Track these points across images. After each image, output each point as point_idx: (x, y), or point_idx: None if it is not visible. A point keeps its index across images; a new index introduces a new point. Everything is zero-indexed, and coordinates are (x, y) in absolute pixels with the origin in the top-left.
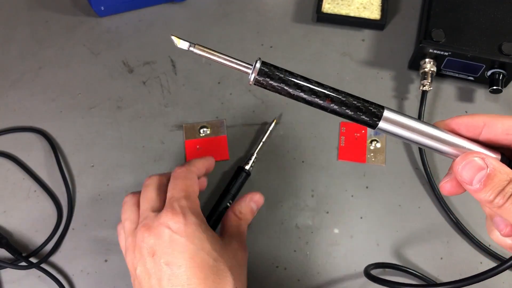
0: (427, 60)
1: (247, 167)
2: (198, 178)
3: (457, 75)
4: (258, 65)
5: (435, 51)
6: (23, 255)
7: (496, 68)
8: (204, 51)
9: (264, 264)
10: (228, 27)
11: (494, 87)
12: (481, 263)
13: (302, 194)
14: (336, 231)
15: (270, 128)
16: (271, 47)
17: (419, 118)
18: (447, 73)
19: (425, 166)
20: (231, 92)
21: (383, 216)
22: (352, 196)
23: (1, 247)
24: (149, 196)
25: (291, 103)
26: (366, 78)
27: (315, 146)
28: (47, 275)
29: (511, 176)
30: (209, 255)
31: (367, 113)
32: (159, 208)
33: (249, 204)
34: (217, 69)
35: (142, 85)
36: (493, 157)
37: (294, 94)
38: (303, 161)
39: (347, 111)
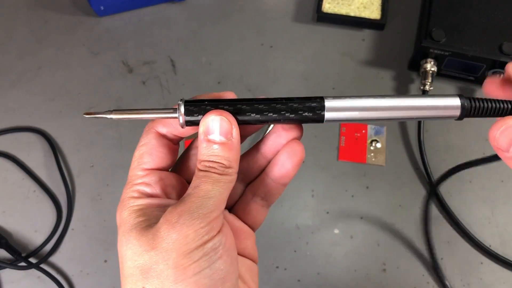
0: (427, 60)
1: None
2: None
3: (457, 75)
4: (182, 108)
5: (435, 51)
6: (22, 255)
7: (496, 68)
8: (123, 113)
9: (264, 264)
10: (228, 27)
11: None
12: (481, 263)
13: (302, 194)
14: (336, 231)
15: (270, 128)
16: (271, 47)
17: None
18: (448, 73)
19: (425, 166)
20: None
21: (384, 216)
22: (352, 196)
23: (1, 248)
24: None
25: None
26: (366, 78)
27: (315, 146)
28: (46, 275)
29: None
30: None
31: (308, 111)
32: None
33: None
34: (217, 69)
35: (142, 85)
36: None
37: (244, 120)
38: (303, 161)
39: (288, 115)
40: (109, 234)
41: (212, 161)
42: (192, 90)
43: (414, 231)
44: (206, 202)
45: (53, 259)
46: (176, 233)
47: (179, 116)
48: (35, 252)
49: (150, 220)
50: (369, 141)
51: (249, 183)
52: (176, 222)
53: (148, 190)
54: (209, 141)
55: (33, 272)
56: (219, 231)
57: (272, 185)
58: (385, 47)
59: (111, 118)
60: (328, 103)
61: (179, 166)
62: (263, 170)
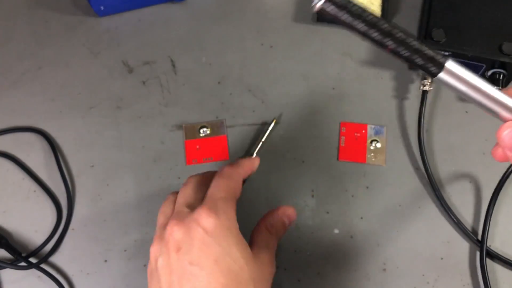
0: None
1: None
2: (244, 180)
3: None
4: None
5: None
6: (22, 255)
7: (496, 68)
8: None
9: None
10: (228, 26)
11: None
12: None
13: (302, 194)
14: (336, 231)
15: (270, 128)
16: (271, 46)
17: (420, 118)
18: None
19: (425, 166)
20: (231, 92)
21: (384, 216)
22: (352, 196)
23: (1, 247)
24: (187, 192)
25: (291, 103)
26: (366, 78)
27: (315, 146)
28: (46, 275)
29: None
30: (235, 262)
31: (430, 61)
32: (195, 205)
33: (281, 218)
34: (217, 69)
35: (142, 85)
36: None
37: (363, 31)
38: (303, 161)
39: (413, 57)
40: (109, 234)
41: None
42: (192, 90)
43: (414, 231)
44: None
45: (53, 259)
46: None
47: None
48: (35, 252)
49: (263, 247)
50: (369, 141)
51: None
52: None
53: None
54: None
55: (33, 272)
56: None
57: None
58: None
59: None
60: (449, 65)
61: None
62: None
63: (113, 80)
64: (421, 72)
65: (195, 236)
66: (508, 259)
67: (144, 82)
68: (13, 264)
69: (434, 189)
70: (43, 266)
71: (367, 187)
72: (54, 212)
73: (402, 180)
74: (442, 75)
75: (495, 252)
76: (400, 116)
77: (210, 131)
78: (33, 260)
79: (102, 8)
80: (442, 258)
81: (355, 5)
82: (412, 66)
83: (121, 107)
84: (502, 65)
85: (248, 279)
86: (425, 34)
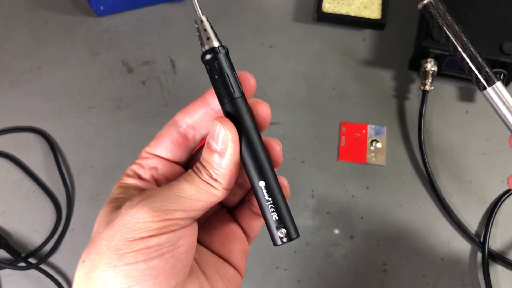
0: (427, 59)
1: None
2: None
3: (457, 74)
4: None
5: (435, 51)
6: (22, 255)
7: (497, 68)
8: None
9: (264, 264)
10: (228, 26)
11: None
12: (482, 263)
13: (302, 194)
14: (336, 231)
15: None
16: (271, 46)
17: (420, 118)
18: (448, 72)
19: (425, 166)
20: None
21: (384, 216)
22: (352, 196)
23: (0, 248)
24: None
25: (292, 103)
26: (366, 77)
27: (315, 146)
28: (46, 275)
29: None
30: None
31: (486, 75)
32: None
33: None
34: None
35: (142, 85)
36: None
37: (449, 36)
38: (303, 161)
39: (476, 71)
40: None
41: (201, 165)
42: (192, 90)
43: (415, 231)
44: (173, 199)
45: (53, 259)
46: (128, 216)
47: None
48: (34, 252)
49: (126, 199)
50: (369, 141)
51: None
52: (133, 206)
53: (139, 171)
54: (207, 146)
55: (33, 272)
56: (172, 231)
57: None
58: (386, 47)
59: None
60: (498, 85)
61: (191, 162)
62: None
63: (112, 80)
64: (421, 72)
65: None
66: (509, 259)
67: (143, 82)
68: (12, 264)
69: (435, 189)
70: (42, 266)
71: (367, 187)
72: (53, 212)
73: (403, 180)
74: (489, 90)
75: (496, 252)
76: (401, 116)
77: None
78: (32, 260)
79: (101, 8)
80: (442, 259)
81: (448, 14)
82: (413, 66)
83: (121, 107)
84: (503, 65)
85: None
86: (425, 34)
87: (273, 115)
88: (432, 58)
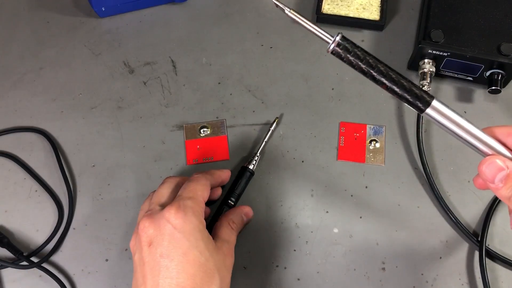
0: (426, 60)
1: (251, 167)
2: (213, 187)
3: (456, 75)
4: (338, 38)
5: (434, 52)
6: (24, 254)
7: (495, 69)
8: (297, 16)
9: (264, 263)
10: (228, 27)
11: (493, 88)
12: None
13: (302, 194)
14: (335, 230)
15: (272, 128)
16: (271, 47)
17: (418, 118)
18: (446, 73)
19: (424, 166)
20: (231, 92)
21: (383, 215)
22: (351, 195)
23: (2, 247)
24: (161, 192)
25: (291, 103)
26: (365, 78)
27: (314, 146)
28: (48, 274)
29: None
30: (201, 254)
31: (419, 99)
32: (167, 203)
33: (241, 215)
34: (217, 70)
35: (143, 86)
36: None
37: (365, 70)
38: (303, 161)
39: (405, 94)
40: (110, 233)
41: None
42: (193, 90)
43: (413, 231)
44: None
45: (55, 258)
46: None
47: (331, 43)
48: (36, 251)
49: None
50: (368, 141)
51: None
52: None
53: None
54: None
55: (35, 271)
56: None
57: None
58: (384, 47)
59: (286, 14)
60: (435, 104)
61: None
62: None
63: (114, 81)
64: (420, 72)
65: (165, 232)
66: (506, 258)
67: (145, 83)
68: (14, 263)
69: (433, 188)
70: (44, 265)
71: (366, 187)
72: (55, 211)
73: (401, 179)
74: (429, 111)
75: (494, 251)
76: (399, 116)
77: (210, 131)
78: (34, 259)
79: (103, 9)
80: (440, 258)
81: (359, 49)
82: (412, 67)
83: (122, 107)
84: (501, 66)
85: (213, 268)
86: (423, 35)
87: (273, 115)
88: (430, 58)
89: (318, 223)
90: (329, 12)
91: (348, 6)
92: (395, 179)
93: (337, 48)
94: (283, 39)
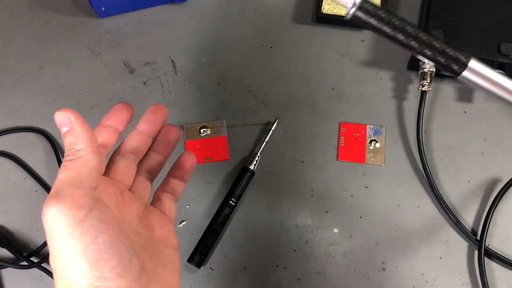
0: (426, 60)
1: (251, 167)
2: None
3: None
4: (358, 1)
5: None
6: (24, 254)
7: (495, 69)
8: None
9: (264, 263)
10: (228, 27)
11: None
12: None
13: (302, 194)
14: (335, 230)
15: (273, 128)
16: (271, 47)
17: (418, 118)
18: (447, 73)
19: (424, 166)
20: (231, 92)
21: (383, 215)
22: (351, 195)
23: (2, 247)
24: None
25: (291, 103)
26: (365, 78)
27: (314, 146)
28: (48, 274)
29: None
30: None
31: (455, 61)
32: None
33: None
34: (217, 70)
35: (143, 86)
36: None
37: (391, 35)
38: (303, 161)
39: (438, 58)
40: None
41: (65, 150)
42: (193, 90)
43: (413, 231)
44: (63, 186)
45: None
46: (50, 221)
47: (351, 7)
48: (36, 251)
49: None
50: (368, 141)
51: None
52: (47, 211)
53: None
54: (63, 136)
55: (35, 271)
56: (90, 210)
57: (154, 157)
58: (384, 47)
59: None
60: (472, 64)
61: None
62: (149, 146)
63: (114, 81)
64: (420, 72)
65: None
66: (506, 258)
67: (145, 83)
68: (14, 263)
69: (433, 188)
70: (44, 265)
71: (366, 187)
72: None
73: (401, 179)
74: (466, 73)
75: (493, 251)
76: (399, 116)
77: (210, 131)
78: (34, 259)
79: (103, 9)
80: (441, 257)
81: (383, 11)
82: (411, 66)
83: None
84: (501, 66)
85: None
86: None
87: (273, 115)
88: None
89: (318, 223)
90: (329, 12)
91: None
92: (395, 179)
93: (358, 12)
94: (283, 39)
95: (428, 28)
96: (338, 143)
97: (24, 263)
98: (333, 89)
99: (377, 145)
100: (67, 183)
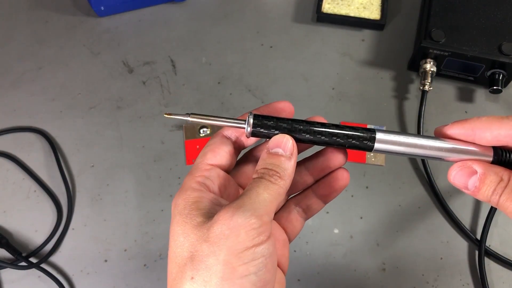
0: (427, 60)
1: None
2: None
3: (457, 75)
4: (251, 120)
5: (435, 51)
6: (23, 255)
7: (496, 68)
8: (199, 118)
9: None
10: (228, 27)
11: (494, 87)
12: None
13: None
14: (336, 231)
15: None
16: (271, 47)
17: (419, 118)
18: (447, 73)
19: (425, 166)
20: (231, 92)
21: (383, 216)
22: (352, 196)
23: (1, 247)
24: None
25: (291, 103)
26: (366, 78)
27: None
28: (47, 275)
29: (501, 175)
30: (175, 243)
31: (360, 140)
32: None
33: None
34: (217, 69)
35: (142, 85)
36: (481, 161)
37: (299, 139)
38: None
39: (338, 140)
40: (109, 234)
41: (267, 168)
42: (192, 90)
43: (414, 231)
44: (257, 204)
45: (54, 258)
46: (229, 230)
47: (246, 127)
48: (35, 252)
49: (204, 213)
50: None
51: (293, 196)
52: (230, 218)
53: (207, 183)
54: (270, 153)
55: (34, 271)
56: (268, 238)
57: (315, 200)
58: (385, 47)
59: (187, 120)
60: (379, 136)
61: (236, 172)
62: (308, 186)
63: (113, 80)
64: (420, 72)
65: None
66: (507, 259)
67: (144, 82)
68: (13, 264)
69: (434, 189)
70: (43, 266)
71: (366, 187)
72: (54, 212)
73: (402, 180)
74: (377, 145)
75: (494, 251)
76: (400, 116)
77: (210, 131)
78: (33, 260)
79: (102, 8)
80: (441, 258)
81: (282, 120)
82: (412, 66)
83: (121, 107)
84: (502, 66)
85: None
86: (424, 35)
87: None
88: (431, 58)
89: (319, 224)
90: (329, 11)
91: (349, 5)
92: (395, 180)
93: (256, 130)
94: (283, 39)
95: (429, 27)
96: None
97: (23, 263)
98: (333, 89)
99: None
100: (262, 205)
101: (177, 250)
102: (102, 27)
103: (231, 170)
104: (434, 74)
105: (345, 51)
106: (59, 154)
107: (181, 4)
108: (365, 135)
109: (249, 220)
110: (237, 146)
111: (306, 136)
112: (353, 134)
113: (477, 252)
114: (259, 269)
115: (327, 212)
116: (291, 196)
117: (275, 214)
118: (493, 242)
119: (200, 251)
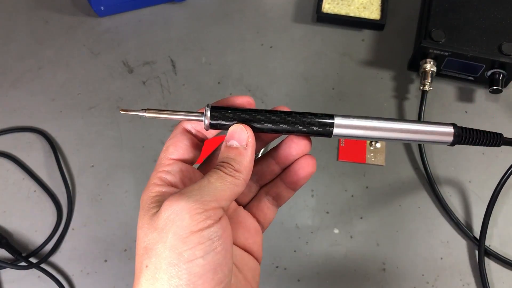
0: (427, 60)
1: None
2: None
3: (457, 75)
4: (208, 112)
5: (435, 51)
6: (23, 255)
7: (496, 68)
8: (156, 113)
9: (264, 264)
10: (228, 27)
11: (494, 87)
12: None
13: (302, 194)
14: (336, 231)
15: None
16: (271, 47)
17: (419, 118)
18: (447, 73)
19: (425, 166)
20: (231, 92)
21: (383, 216)
22: (352, 196)
23: (1, 247)
24: None
25: (291, 103)
26: (365, 78)
27: (314, 146)
28: (46, 275)
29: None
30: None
31: (319, 126)
32: None
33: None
34: (217, 69)
35: (142, 85)
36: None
37: (252, 127)
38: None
39: (300, 128)
40: (109, 234)
41: (224, 162)
42: (192, 90)
43: (414, 231)
44: (205, 191)
45: (54, 259)
46: (174, 214)
47: (204, 119)
48: (35, 252)
49: (161, 205)
50: (368, 141)
51: (263, 186)
52: (175, 203)
53: (168, 178)
54: (226, 146)
55: (34, 272)
56: (216, 222)
57: (283, 188)
58: (385, 47)
59: (144, 116)
60: (337, 121)
61: (205, 165)
62: (277, 175)
63: (113, 80)
64: (420, 72)
65: None
66: (507, 258)
67: (144, 82)
68: (13, 264)
69: (434, 189)
70: (43, 266)
71: (366, 187)
72: (54, 212)
73: (402, 180)
74: (336, 130)
75: (494, 251)
76: (400, 116)
77: None
78: (33, 260)
79: (102, 8)
80: (441, 258)
81: (240, 111)
82: (412, 66)
83: (122, 107)
84: (502, 66)
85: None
86: (424, 34)
87: None
88: (431, 58)
89: (319, 224)
90: (329, 11)
91: (349, 5)
92: (395, 180)
93: (214, 121)
94: (283, 39)
95: (429, 27)
96: (339, 143)
97: (23, 263)
98: (333, 89)
99: (378, 145)
100: (211, 192)
101: (138, 242)
102: (102, 27)
103: (204, 161)
104: (434, 74)
105: (345, 51)
106: (59, 154)
107: (181, 4)
108: (324, 120)
109: (194, 204)
110: (199, 139)
111: (267, 125)
112: (311, 120)
113: (477, 252)
114: (206, 252)
115: (327, 212)
116: (263, 186)
117: (247, 204)
118: (493, 242)
119: (152, 239)
